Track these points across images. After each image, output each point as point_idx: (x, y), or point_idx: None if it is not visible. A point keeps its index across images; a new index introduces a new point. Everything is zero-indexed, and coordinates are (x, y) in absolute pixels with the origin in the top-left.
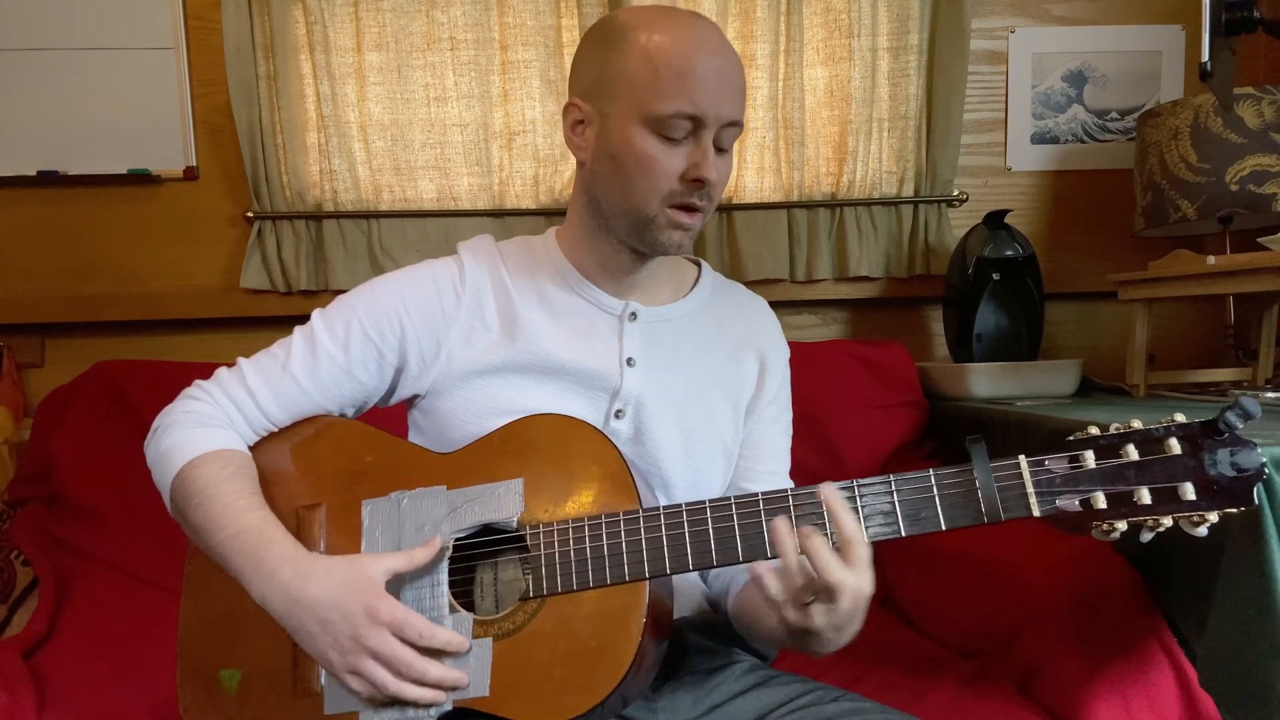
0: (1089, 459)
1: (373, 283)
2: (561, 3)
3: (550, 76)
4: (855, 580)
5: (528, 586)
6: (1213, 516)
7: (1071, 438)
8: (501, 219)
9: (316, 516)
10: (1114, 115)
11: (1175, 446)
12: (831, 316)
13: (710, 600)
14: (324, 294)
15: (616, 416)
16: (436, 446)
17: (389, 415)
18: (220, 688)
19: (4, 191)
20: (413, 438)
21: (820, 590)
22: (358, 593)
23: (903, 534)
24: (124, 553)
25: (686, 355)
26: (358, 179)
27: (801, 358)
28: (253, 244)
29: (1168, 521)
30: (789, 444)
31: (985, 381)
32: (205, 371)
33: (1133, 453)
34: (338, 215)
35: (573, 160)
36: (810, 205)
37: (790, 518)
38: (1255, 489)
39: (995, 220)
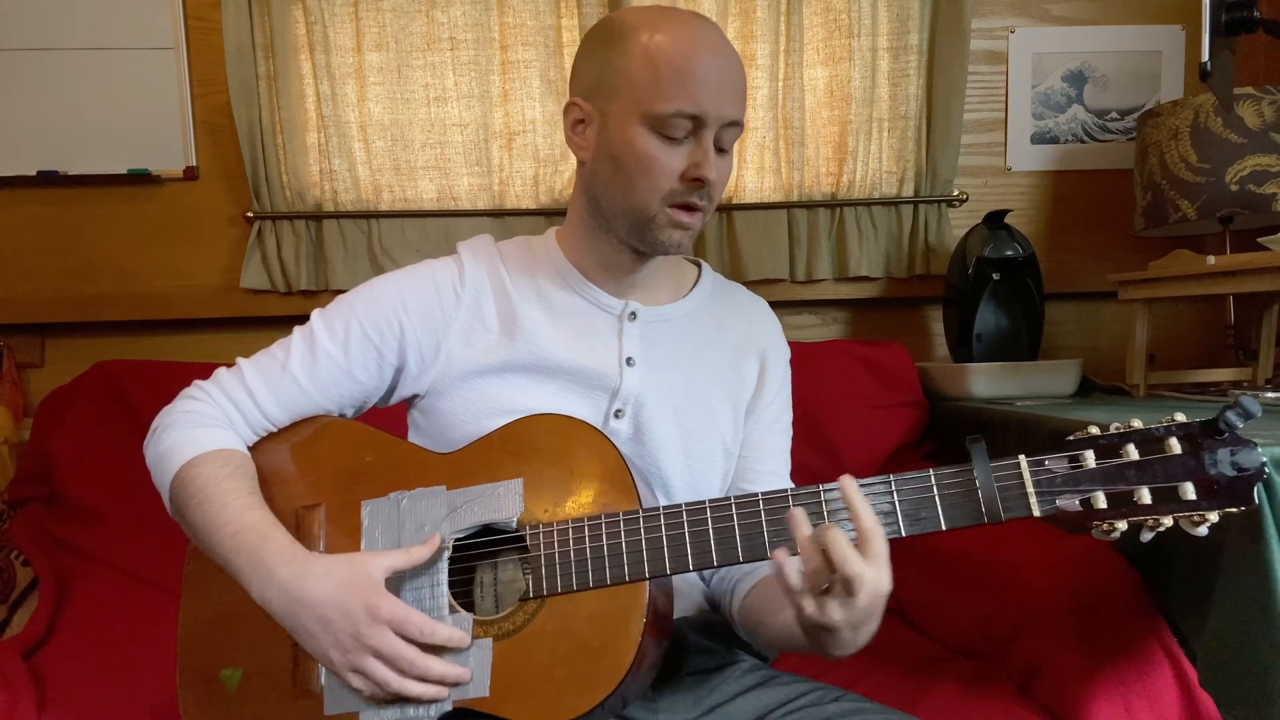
0: (1089, 459)
1: (372, 283)
2: (561, 3)
3: (550, 76)
4: (873, 574)
5: (527, 587)
6: (1213, 516)
7: (1071, 437)
8: (501, 219)
9: (316, 517)
10: (1114, 115)
11: (1175, 446)
12: (831, 316)
13: (710, 600)
14: (324, 294)
15: (616, 416)
16: (436, 446)
17: (389, 415)
18: (221, 686)
19: (4, 191)
20: (412, 438)
21: (838, 582)
22: (358, 591)
23: (903, 534)
24: (124, 553)
25: (686, 355)
26: (358, 179)
27: (801, 358)
28: (253, 244)
29: (1168, 521)
30: (789, 445)
31: (985, 381)
32: (205, 371)
33: (1133, 452)
34: (338, 215)
35: (573, 160)
36: (810, 205)
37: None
38: (1255, 488)
39: (995, 220)
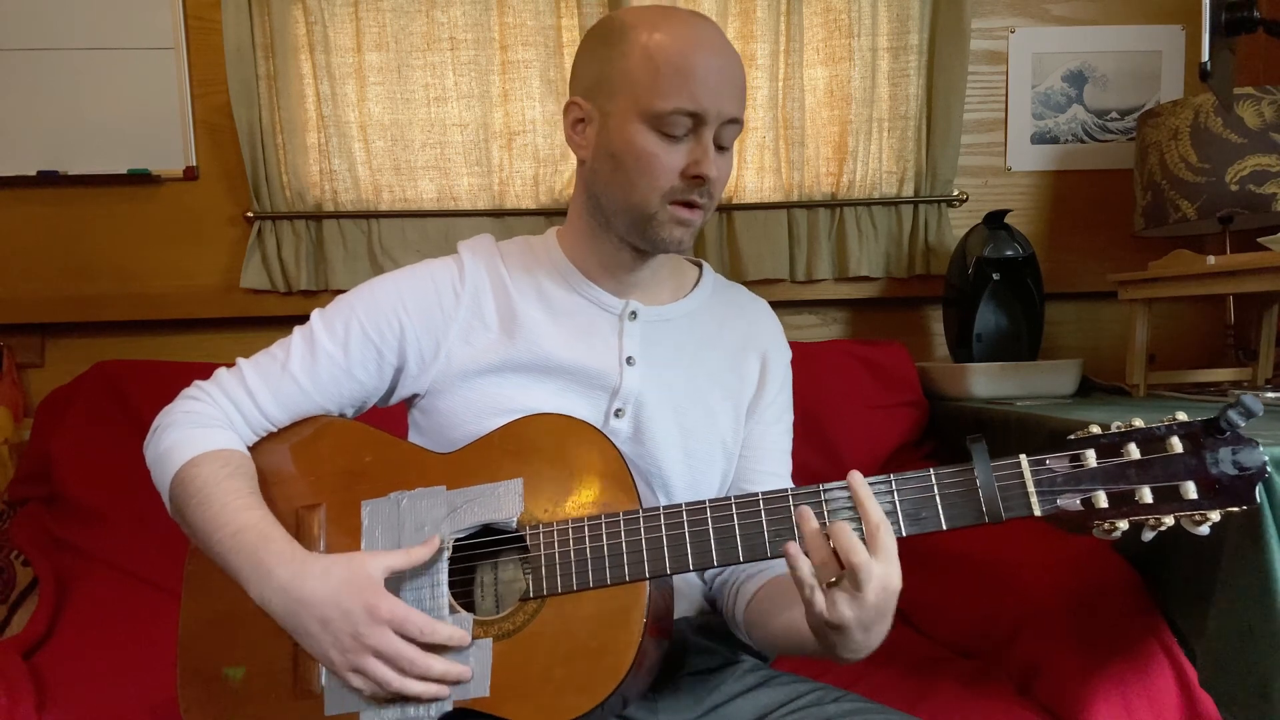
0: (1090, 458)
1: (372, 282)
2: (561, 3)
3: (550, 76)
4: (881, 569)
5: (528, 586)
6: (1215, 515)
7: (1073, 436)
8: (501, 219)
9: (316, 517)
10: (1114, 115)
11: (1177, 445)
12: (831, 316)
13: (709, 599)
14: (324, 294)
15: (616, 416)
16: (436, 446)
17: (389, 415)
18: (226, 684)
19: (4, 191)
20: (413, 437)
21: (845, 576)
22: (357, 590)
23: (903, 534)
24: (124, 553)
25: (687, 355)
26: (358, 179)
27: (801, 358)
28: (253, 244)
29: (1169, 520)
30: (790, 445)
31: (985, 381)
32: (205, 371)
33: (1134, 451)
34: (338, 215)
35: (573, 160)
36: (810, 205)
37: (792, 516)
38: (1257, 488)
39: (995, 220)
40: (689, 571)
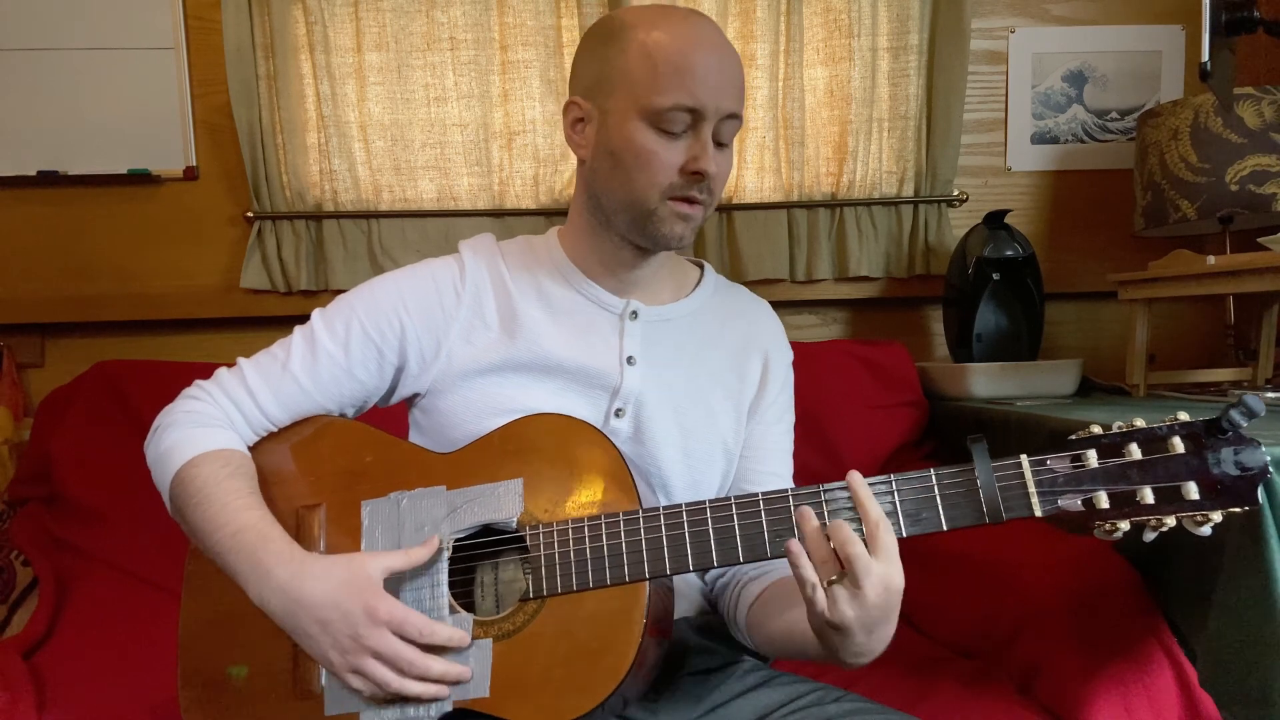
0: (1091, 458)
1: (373, 282)
2: (561, 3)
3: (550, 76)
4: (881, 567)
5: (527, 587)
6: (1216, 516)
7: (1074, 437)
8: (501, 219)
9: (316, 517)
10: (1114, 115)
11: (1179, 445)
12: (831, 316)
13: (710, 600)
14: (324, 294)
15: (616, 415)
16: (437, 446)
17: (389, 415)
18: (227, 683)
19: (4, 191)
20: (413, 437)
21: (845, 574)
22: (357, 592)
23: (903, 534)
24: (124, 553)
25: (688, 355)
26: (358, 179)
27: (801, 358)
28: (253, 244)
29: (1171, 521)
30: (791, 445)
31: (985, 381)
32: (205, 371)
33: (1136, 452)
34: (338, 215)
35: (573, 160)
36: (810, 205)
37: (792, 517)
38: (1259, 488)
39: (995, 220)
40: (689, 572)
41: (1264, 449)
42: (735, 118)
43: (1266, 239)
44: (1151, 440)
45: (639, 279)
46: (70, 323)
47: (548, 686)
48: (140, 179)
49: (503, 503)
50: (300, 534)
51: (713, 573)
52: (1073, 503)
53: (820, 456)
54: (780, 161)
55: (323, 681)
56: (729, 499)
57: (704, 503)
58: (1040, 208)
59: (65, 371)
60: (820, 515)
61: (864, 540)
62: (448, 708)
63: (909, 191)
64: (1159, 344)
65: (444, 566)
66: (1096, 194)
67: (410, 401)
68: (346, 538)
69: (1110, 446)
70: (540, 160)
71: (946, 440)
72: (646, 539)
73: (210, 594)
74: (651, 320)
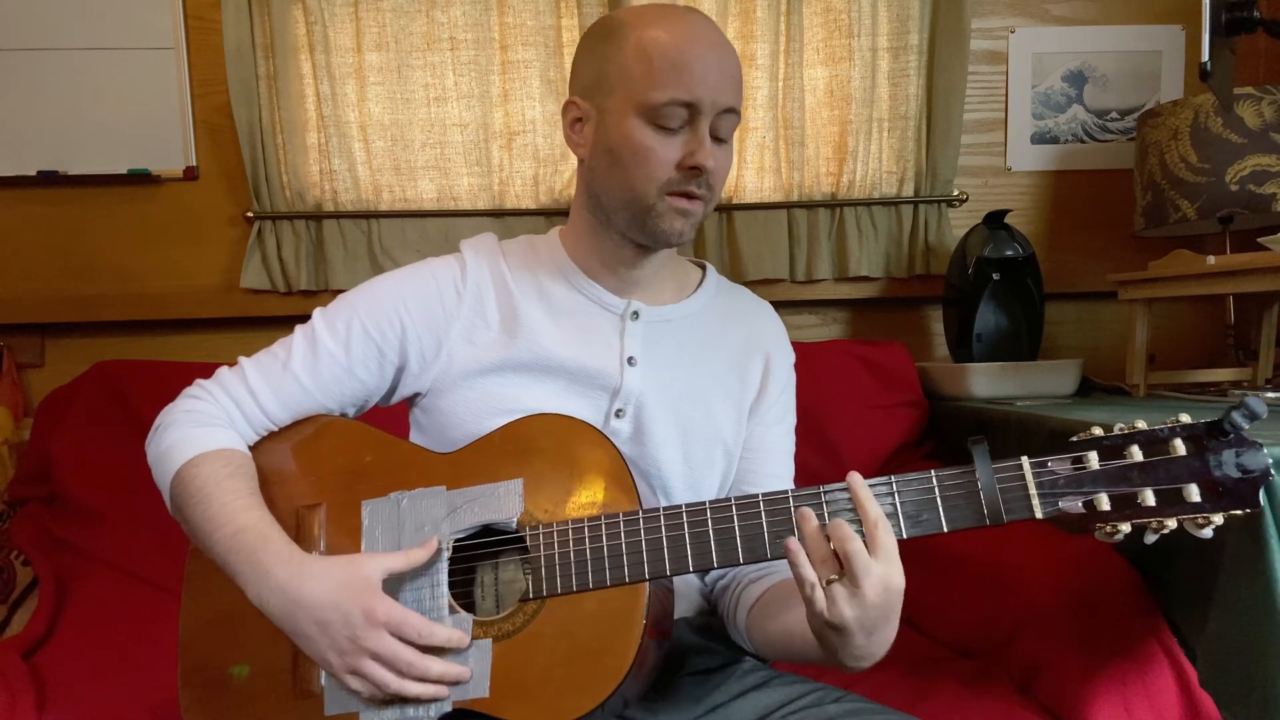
0: (1093, 460)
1: (374, 281)
2: (561, 3)
3: (550, 76)
4: (881, 567)
5: (527, 587)
6: (1218, 519)
7: (1075, 438)
8: (501, 219)
9: (316, 516)
10: (1114, 115)
11: (1180, 447)
12: (831, 316)
13: (708, 600)
14: (324, 294)
15: (617, 416)
16: (437, 445)
17: (390, 415)
18: (228, 683)
19: (4, 191)
20: (414, 437)
21: (845, 574)
22: (355, 593)
23: (904, 535)
24: (124, 553)
25: (689, 355)
26: (358, 179)
27: (801, 358)
28: (253, 244)
29: (1172, 524)
30: (792, 448)
31: (985, 381)
32: (205, 372)
33: (1137, 454)
34: (338, 215)
35: (573, 160)
36: (810, 205)
37: (792, 517)
38: (1261, 490)
39: (995, 220)
40: (689, 573)
41: (1266, 451)
42: (733, 113)
43: (1266, 239)
44: (1153, 442)
45: (640, 279)
46: (70, 323)
47: (547, 687)
48: (140, 179)
49: (503, 503)
50: (300, 534)
51: (712, 575)
52: (1074, 505)
53: (820, 456)
54: (780, 161)
55: (322, 681)
56: (729, 500)
57: (704, 503)
58: (1040, 208)
59: (65, 371)
60: (820, 516)
61: (864, 539)
62: (447, 708)
63: (909, 191)
64: (1159, 344)
65: (444, 567)
66: (1096, 194)
67: (411, 401)
68: (346, 537)
69: (1111, 448)
70: (540, 160)
71: (946, 440)
72: (646, 540)
73: (210, 594)
74: (653, 321)
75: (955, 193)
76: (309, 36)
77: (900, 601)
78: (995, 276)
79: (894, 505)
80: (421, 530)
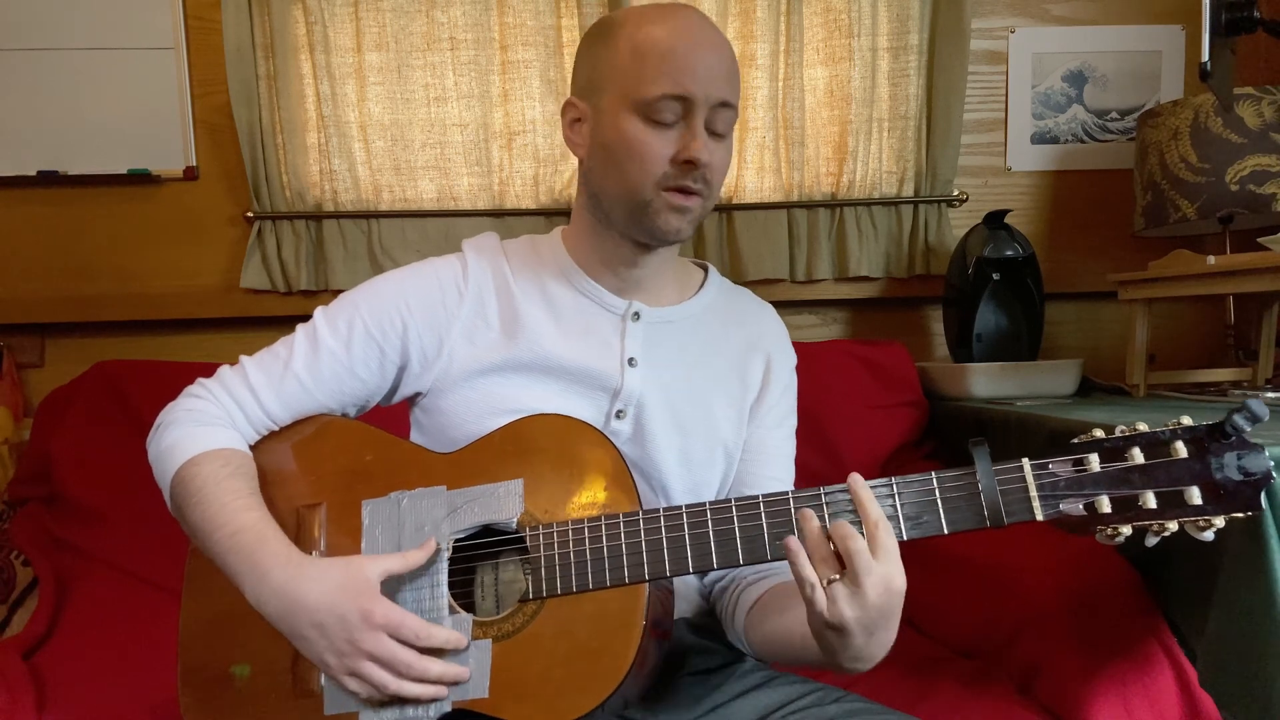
0: (1093, 462)
1: (376, 280)
2: (561, 3)
3: (550, 76)
4: (882, 568)
5: (527, 587)
6: (1219, 521)
7: (1076, 440)
8: (501, 219)
9: (317, 516)
10: (1114, 115)
11: (1181, 450)
12: (831, 316)
13: (706, 599)
14: (324, 294)
15: (617, 417)
16: (438, 445)
17: (390, 414)
18: (228, 682)
19: (4, 191)
20: (414, 436)
21: (846, 570)
22: (353, 595)
23: (904, 537)
24: (124, 553)
25: (690, 357)
26: (358, 179)
27: (802, 358)
28: (253, 244)
29: (1173, 526)
30: (793, 450)
31: (985, 381)
32: (206, 372)
33: (1138, 456)
34: (338, 215)
35: (573, 160)
36: (810, 205)
37: (792, 518)
38: (1263, 493)
39: (995, 220)
40: (689, 574)
41: (1268, 453)
42: (728, 107)
43: (1266, 239)
44: (1154, 444)
45: (642, 279)
46: (70, 323)
47: (547, 687)
48: (140, 179)
49: (503, 503)
50: (301, 533)
51: (711, 576)
52: (1074, 507)
53: (820, 456)
54: (780, 161)
55: (322, 681)
56: (729, 501)
57: (704, 504)
58: (1040, 208)
59: (65, 371)
60: (821, 517)
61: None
62: (447, 708)
63: (909, 191)
64: (1159, 344)
65: (444, 567)
66: (1096, 194)
67: (412, 401)
68: (347, 537)
69: (1112, 450)
70: (540, 160)
71: (946, 440)
72: (646, 540)
73: (211, 594)
74: (654, 322)
75: (955, 193)
76: (309, 36)
77: (900, 603)
78: (995, 276)
79: (894, 507)
80: (422, 530)
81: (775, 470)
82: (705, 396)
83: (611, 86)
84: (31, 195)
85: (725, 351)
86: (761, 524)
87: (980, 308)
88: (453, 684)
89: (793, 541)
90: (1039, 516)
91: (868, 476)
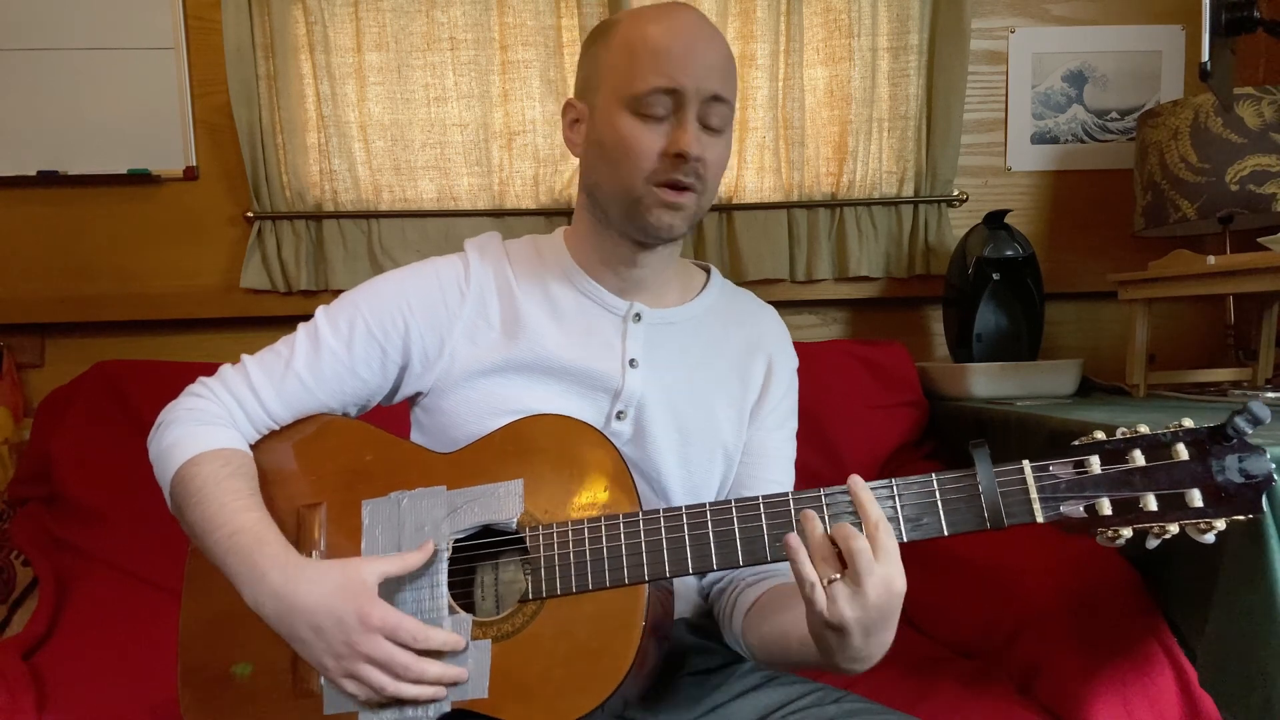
0: (1094, 464)
1: (377, 280)
2: (561, 3)
3: (550, 76)
4: (883, 569)
5: (527, 588)
6: (1220, 524)
7: (1077, 442)
8: (501, 219)
9: (317, 516)
10: (1114, 115)
11: (1182, 452)
12: (831, 316)
13: (705, 598)
14: (324, 294)
15: (618, 418)
16: (438, 445)
17: (391, 414)
18: (228, 682)
19: (4, 191)
20: (415, 436)
21: (847, 570)
22: (351, 597)
23: (904, 539)
24: (124, 553)
25: (691, 358)
26: (358, 179)
27: (802, 358)
28: (253, 244)
29: (1174, 529)
30: (793, 453)
31: (985, 381)
32: (206, 372)
33: (1139, 458)
34: (338, 215)
35: (573, 160)
36: (810, 205)
37: (792, 519)
38: (1264, 496)
39: (995, 220)
40: (689, 575)
41: (1269, 455)
42: (721, 101)
43: (1266, 239)
44: (1155, 446)
45: (642, 279)
46: (70, 323)
47: (547, 687)
48: (140, 179)
49: (503, 503)
50: (301, 533)
51: (709, 578)
52: (1075, 509)
53: (820, 457)
54: (780, 161)
55: (321, 681)
56: (729, 502)
57: (704, 505)
58: (1040, 208)
59: (65, 371)
60: (821, 518)
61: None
62: (446, 708)
63: (909, 191)
64: (1159, 344)
65: (443, 568)
66: (1096, 194)
67: (412, 400)
68: (347, 537)
69: (1113, 452)
70: (540, 160)
71: (947, 440)
72: (646, 541)
73: (211, 594)
74: (655, 323)
75: (955, 193)
76: (309, 36)
77: (900, 604)
78: (995, 276)
79: (895, 509)
80: (422, 530)
81: (775, 473)
82: (706, 398)
83: (605, 84)
84: (31, 195)
85: (726, 353)
86: (762, 525)
87: (980, 308)
88: (451, 685)
89: (793, 539)
90: (1039, 518)
91: (867, 477)
